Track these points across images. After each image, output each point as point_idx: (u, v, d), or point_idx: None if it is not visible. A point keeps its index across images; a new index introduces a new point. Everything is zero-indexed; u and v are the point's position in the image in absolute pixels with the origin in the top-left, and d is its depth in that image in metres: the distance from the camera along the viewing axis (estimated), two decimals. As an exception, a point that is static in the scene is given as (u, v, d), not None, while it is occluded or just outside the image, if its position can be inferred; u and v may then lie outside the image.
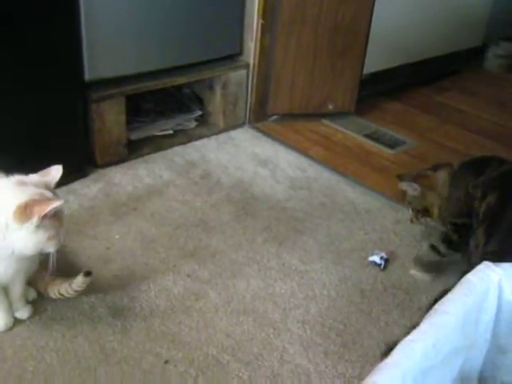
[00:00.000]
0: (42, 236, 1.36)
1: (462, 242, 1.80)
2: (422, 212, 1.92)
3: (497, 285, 1.08)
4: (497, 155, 1.87)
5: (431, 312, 0.96)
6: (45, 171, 1.46)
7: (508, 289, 1.09)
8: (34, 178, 1.43)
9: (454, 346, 0.96)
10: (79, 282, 1.56)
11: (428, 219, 1.92)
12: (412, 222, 1.97)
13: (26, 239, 1.35)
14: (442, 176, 1.87)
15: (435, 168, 1.91)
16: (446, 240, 1.83)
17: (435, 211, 1.89)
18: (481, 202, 1.70)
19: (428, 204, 1.89)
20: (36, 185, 1.40)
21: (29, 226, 1.33)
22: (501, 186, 1.70)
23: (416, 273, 1.88)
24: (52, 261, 1.44)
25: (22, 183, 1.40)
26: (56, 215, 1.38)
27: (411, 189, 1.89)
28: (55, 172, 1.45)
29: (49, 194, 1.39)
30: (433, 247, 1.85)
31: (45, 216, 1.33)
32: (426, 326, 0.93)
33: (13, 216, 1.32)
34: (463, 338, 1.02)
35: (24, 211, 1.32)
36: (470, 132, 2.94)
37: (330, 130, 2.80)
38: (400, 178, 1.94)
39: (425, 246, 1.88)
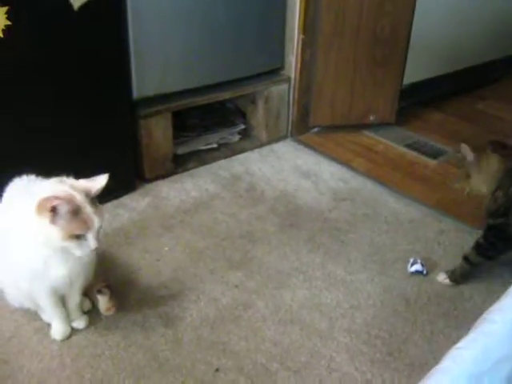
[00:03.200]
0: (58, 232, 1.38)
1: (490, 248, 1.81)
2: (463, 178, 1.88)
3: (546, 293, 1.10)
4: None
5: (479, 320, 0.98)
6: (92, 178, 1.48)
7: (557, 296, 1.10)
8: (76, 181, 1.46)
9: (503, 353, 0.98)
10: (100, 302, 1.70)
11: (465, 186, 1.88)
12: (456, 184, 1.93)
13: (45, 232, 1.39)
14: (494, 165, 1.81)
15: (500, 150, 1.84)
16: (475, 246, 1.83)
17: (471, 184, 1.86)
18: None
19: (468, 175, 1.86)
20: (74, 187, 1.42)
21: (43, 218, 1.37)
22: None
23: (443, 280, 1.89)
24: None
25: (61, 182, 1.44)
26: (79, 215, 1.39)
27: (467, 156, 1.85)
28: (100, 180, 1.47)
29: (78, 195, 1.39)
30: (465, 258, 1.86)
31: (54, 210, 1.35)
32: (474, 334, 0.95)
33: (35, 208, 1.38)
34: (512, 346, 1.03)
35: (43, 204, 1.36)
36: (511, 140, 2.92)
37: (371, 141, 2.82)
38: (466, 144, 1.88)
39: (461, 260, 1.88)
